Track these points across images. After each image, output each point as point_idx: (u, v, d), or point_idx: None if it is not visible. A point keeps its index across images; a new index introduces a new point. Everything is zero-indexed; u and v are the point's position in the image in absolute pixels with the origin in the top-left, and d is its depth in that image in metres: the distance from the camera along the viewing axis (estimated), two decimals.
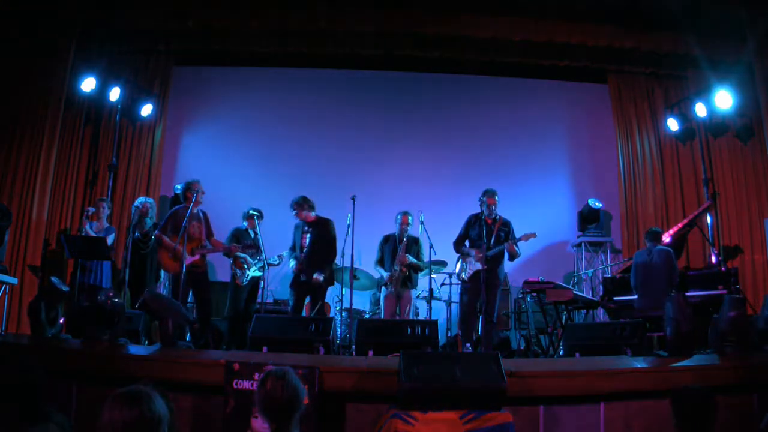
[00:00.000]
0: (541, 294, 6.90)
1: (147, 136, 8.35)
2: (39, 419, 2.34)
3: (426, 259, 6.64)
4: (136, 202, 6.70)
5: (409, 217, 6.69)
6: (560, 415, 3.93)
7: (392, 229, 6.79)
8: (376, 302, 7.23)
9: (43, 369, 2.53)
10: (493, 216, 6.24)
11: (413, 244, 6.71)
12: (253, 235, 6.72)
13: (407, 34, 8.17)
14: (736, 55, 7.46)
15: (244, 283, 6.67)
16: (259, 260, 6.68)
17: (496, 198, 6.26)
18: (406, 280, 6.63)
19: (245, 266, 6.67)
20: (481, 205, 6.31)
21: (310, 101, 8.89)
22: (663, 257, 5.99)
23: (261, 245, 6.52)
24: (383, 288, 6.71)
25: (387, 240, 6.76)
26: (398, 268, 6.56)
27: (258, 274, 6.73)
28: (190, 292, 6.06)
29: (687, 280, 6.45)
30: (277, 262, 6.91)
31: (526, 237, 6.13)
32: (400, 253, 6.58)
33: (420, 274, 6.82)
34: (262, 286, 6.63)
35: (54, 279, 5.34)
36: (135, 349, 4.70)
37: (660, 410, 3.69)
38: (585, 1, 7.73)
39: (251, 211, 6.81)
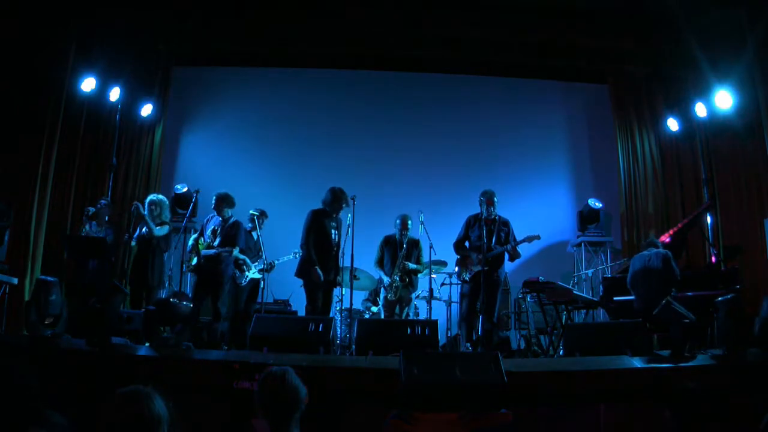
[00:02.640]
0: (541, 294, 6.89)
1: (147, 136, 8.36)
2: (31, 424, 2.32)
3: (426, 259, 6.63)
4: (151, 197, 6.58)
5: (409, 221, 6.66)
6: (560, 415, 3.93)
7: (393, 229, 6.78)
8: (373, 297, 7.23)
9: (22, 369, 2.49)
10: (492, 216, 6.24)
11: (413, 248, 6.68)
12: (255, 237, 6.71)
13: (407, 33, 8.16)
14: (736, 55, 7.45)
15: (243, 284, 6.66)
16: (260, 262, 6.68)
17: (495, 198, 6.25)
18: (407, 284, 6.62)
19: (245, 268, 6.65)
20: (480, 206, 6.30)
21: (309, 101, 8.89)
22: (661, 260, 5.96)
23: (261, 246, 6.51)
24: (382, 290, 6.70)
25: (387, 242, 6.73)
26: (398, 277, 6.55)
27: (257, 276, 6.72)
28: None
29: (687, 280, 6.43)
30: (268, 268, 6.87)
31: (530, 239, 6.12)
32: (401, 261, 6.57)
33: (420, 275, 6.81)
34: (262, 286, 6.61)
35: (41, 276, 5.34)
36: (135, 349, 4.71)
37: (660, 410, 3.69)
38: (585, 1, 7.73)
39: (252, 212, 6.79)
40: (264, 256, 6.59)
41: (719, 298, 5.01)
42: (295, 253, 6.62)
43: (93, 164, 8.06)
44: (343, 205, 6.12)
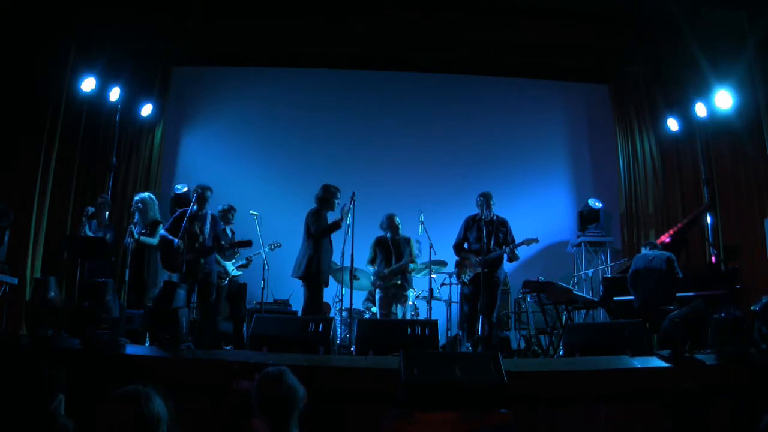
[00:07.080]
0: (541, 294, 6.89)
1: (147, 136, 8.37)
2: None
3: (423, 258, 6.63)
4: (137, 197, 6.56)
5: (396, 218, 6.67)
6: (560, 415, 3.93)
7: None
8: (373, 297, 7.23)
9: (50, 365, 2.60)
10: (491, 217, 6.23)
11: (405, 245, 6.68)
12: (230, 234, 6.70)
13: (407, 33, 8.16)
14: (736, 55, 7.44)
15: (224, 283, 6.60)
16: (236, 258, 6.66)
17: (492, 201, 6.25)
18: (403, 281, 6.62)
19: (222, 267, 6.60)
20: (478, 206, 6.30)
21: (309, 101, 8.90)
22: (665, 262, 5.94)
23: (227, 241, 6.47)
24: (378, 291, 6.69)
25: (379, 243, 6.72)
26: (399, 281, 6.54)
27: (237, 273, 6.69)
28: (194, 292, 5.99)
29: (687, 280, 6.43)
30: (246, 263, 6.84)
31: (528, 242, 6.13)
32: (406, 261, 6.57)
33: (420, 274, 6.81)
34: (262, 286, 6.59)
35: (38, 276, 5.34)
36: (135, 349, 4.71)
37: (660, 410, 3.69)
38: (585, 1, 7.73)
39: (251, 212, 6.76)
40: (239, 252, 6.57)
41: (719, 300, 5.02)
42: (271, 245, 6.59)
43: (93, 164, 8.06)
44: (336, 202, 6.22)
